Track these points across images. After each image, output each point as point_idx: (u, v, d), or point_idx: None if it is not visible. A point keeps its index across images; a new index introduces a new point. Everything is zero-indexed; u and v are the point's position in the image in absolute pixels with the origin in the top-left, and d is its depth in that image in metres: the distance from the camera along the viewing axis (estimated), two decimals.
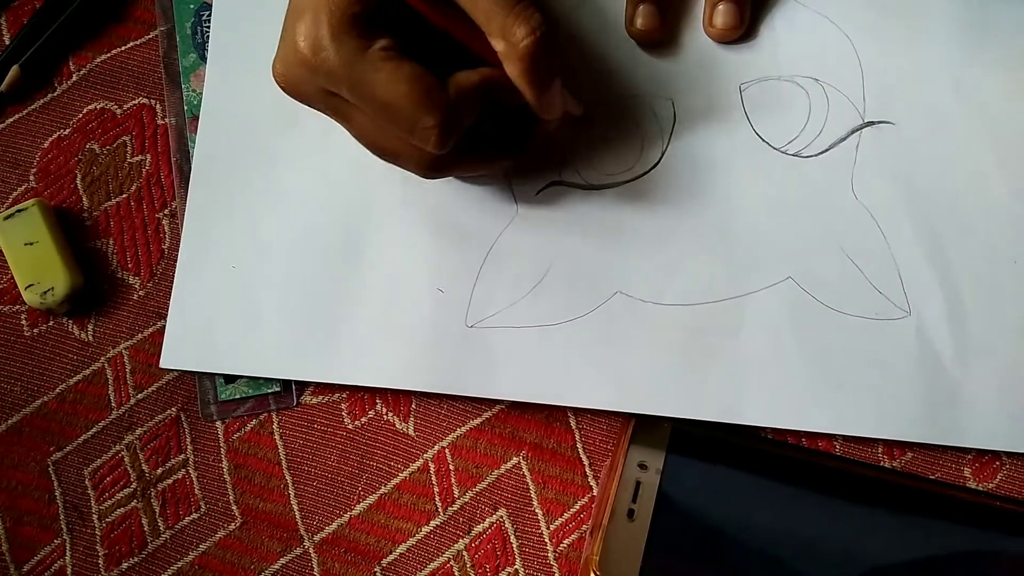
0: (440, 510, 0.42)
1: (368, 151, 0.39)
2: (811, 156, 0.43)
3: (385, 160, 0.39)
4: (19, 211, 0.44)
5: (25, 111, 0.47)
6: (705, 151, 0.43)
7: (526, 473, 0.43)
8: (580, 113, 0.42)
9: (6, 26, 0.48)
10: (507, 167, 0.42)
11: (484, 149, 0.40)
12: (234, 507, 0.43)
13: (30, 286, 0.43)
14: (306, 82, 0.36)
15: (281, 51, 0.36)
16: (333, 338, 0.42)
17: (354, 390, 0.43)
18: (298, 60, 0.35)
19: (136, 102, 0.47)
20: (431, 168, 0.38)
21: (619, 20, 0.44)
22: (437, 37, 0.36)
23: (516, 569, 0.42)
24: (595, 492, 0.42)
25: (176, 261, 0.44)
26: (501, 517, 0.42)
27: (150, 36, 0.47)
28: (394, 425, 0.43)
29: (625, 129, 0.43)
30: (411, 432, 0.43)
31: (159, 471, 0.43)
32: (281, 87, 0.37)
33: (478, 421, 0.43)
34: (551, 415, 0.43)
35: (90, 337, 0.44)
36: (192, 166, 0.45)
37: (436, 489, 0.43)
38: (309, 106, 0.38)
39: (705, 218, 0.43)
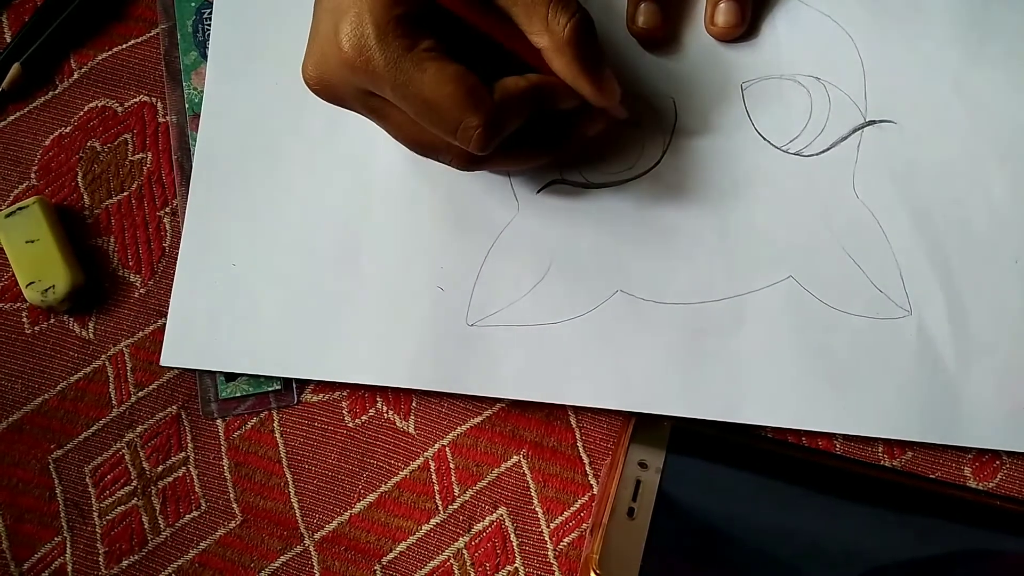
0: (440, 508, 0.42)
1: (404, 146, 0.38)
2: (812, 155, 0.43)
3: (421, 155, 0.39)
4: (20, 209, 0.44)
5: (26, 109, 0.47)
6: (706, 150, 0.43)
7: (526, 472, 0.43)
8: (626, 116, 0.41)
9: (7, 24, 0.48)
10: (545, 164, 0.42)
11: (524, 146, 0.39)
12: (234, 505, 0.43)
13: (31, 284, 0.43)
14: (345, 83, 0.35)
15: (315, 53, 0.35)
16: (334, 336, 0.42)
17: (355, 388, 0.44)
18: (340, 61, 0.34)
19: (137, 100, 0.47)
20: (470, 163, 0.38)
21: (621, 18, 0.44)
22: (477, 42, 0.36)
23: (516, 567, 0.42)
24: (595, 491, 0.42)
25: (177, 259, 0.44)
26: (501, 515, 0.42)
27: (151, 34, 0.47)
28: (395, 423, 0.43)
29: (626, 128, 0.43)
30: (411, 430, 0.43)
31: (159, 469, 0.43)
32: (313, 89, 0.37)
33: (478, 420, 0.43)
34: (551, 414, 0.43)
35: (91, 335, 0.44)
36: (193, 164, 0.45)
37: (436, 487, 0.43)
38: (341, 106, 0.37)
39: (706, 217, 0.42)
